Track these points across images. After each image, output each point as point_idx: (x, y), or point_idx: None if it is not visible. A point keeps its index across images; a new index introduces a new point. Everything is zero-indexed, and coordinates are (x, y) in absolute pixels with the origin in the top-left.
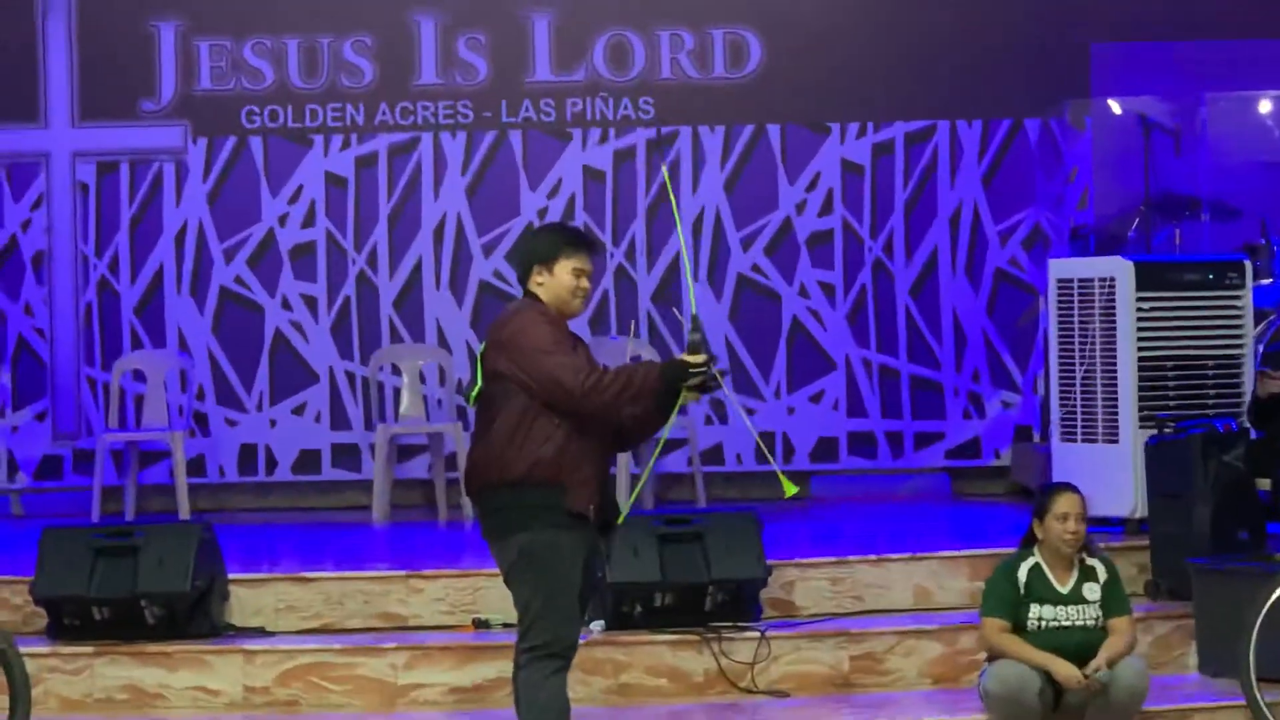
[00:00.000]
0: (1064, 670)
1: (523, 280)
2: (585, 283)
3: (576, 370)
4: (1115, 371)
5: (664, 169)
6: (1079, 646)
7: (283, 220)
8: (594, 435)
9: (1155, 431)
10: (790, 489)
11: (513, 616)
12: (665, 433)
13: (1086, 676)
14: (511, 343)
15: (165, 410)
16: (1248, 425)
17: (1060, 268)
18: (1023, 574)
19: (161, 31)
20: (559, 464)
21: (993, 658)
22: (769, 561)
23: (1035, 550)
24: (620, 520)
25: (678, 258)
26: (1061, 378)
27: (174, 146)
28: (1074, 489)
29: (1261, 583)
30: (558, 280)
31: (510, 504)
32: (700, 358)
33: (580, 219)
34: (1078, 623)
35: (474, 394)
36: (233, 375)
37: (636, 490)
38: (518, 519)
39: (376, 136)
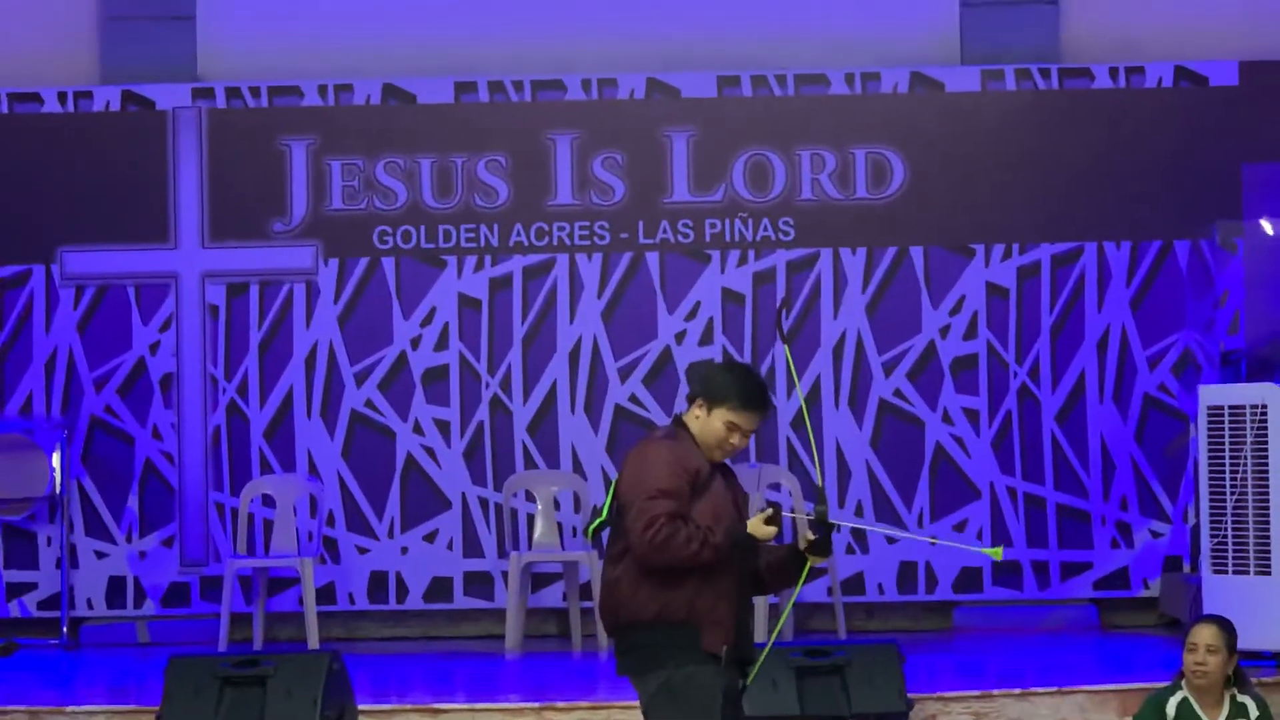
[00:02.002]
0: None
1: (688, 401)
2: (736, 440)
3: (649, 523)
4: (1268, 500)
5: (786, 348)
6: None
7: (415, 343)
8: (729, 575)
9: None
10: (996, 553)
11: None
12: (796, 591)
13: None
14: (626, 474)
15: (295, 536)
16: None
17: (1211, 394)
18: (1171, 708)
19: (293, 150)
20: (692, 605)
21: None
22: (910, 695)
23: (1183, 684)
24: (749, 680)
25: (819, 381)
26: (1212, 507)
27: (305, 267)
28: (1214, 621)
29: None
30: (711, 424)
31: (645, 643)
32: (772, 530)
33: (719, 342)
34: None
35: (593, 526)
36: (363, 501)
37: (765, 653)
38: (654, 656)
39: (511, 258)
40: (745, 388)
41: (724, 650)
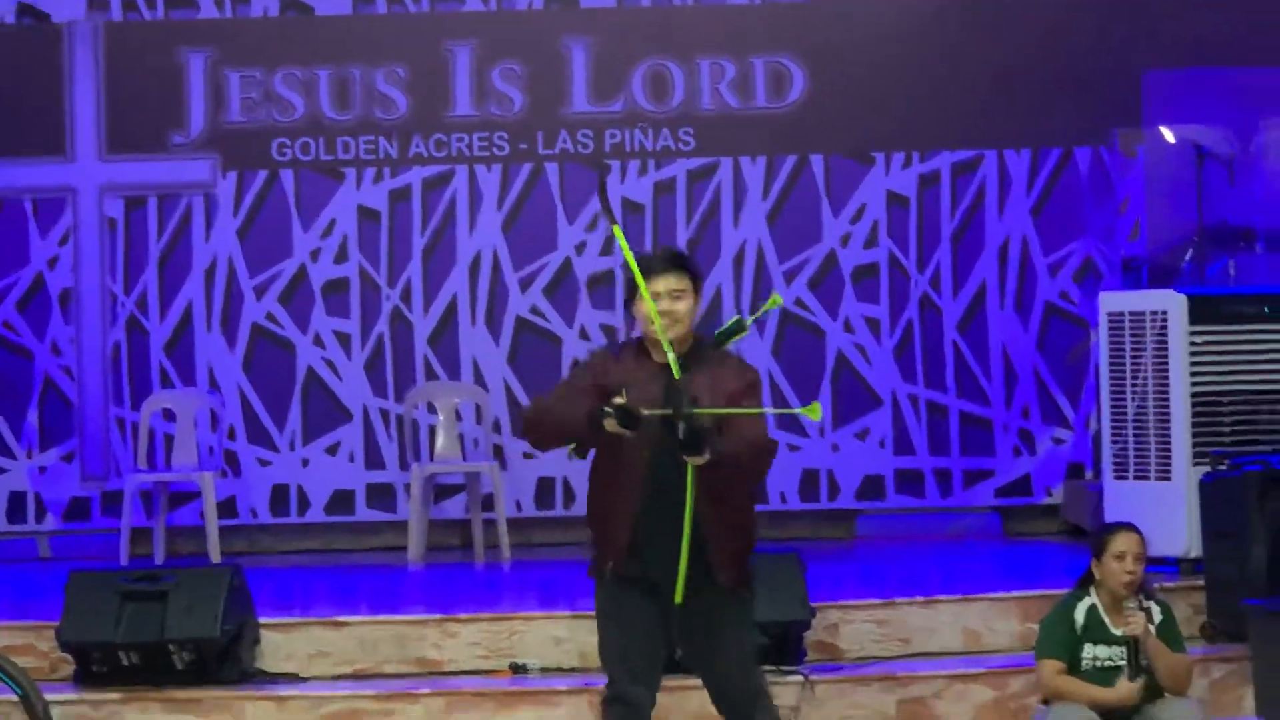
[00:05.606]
0: (1123, 691)
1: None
2: (664, 305)
3: (528, 407)
4: (1168, 407)
5: (615, 228)
6: None
7: (315, 255)
8: (630, 491)
9: (1209, 469)
10: (814, 411)
11: (549, 661)
12: (689, 500)
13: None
14: None
15: (195, 450)
16: None
17: (1111, 301)
18: (1079, 615)
19: (191, 62)
20: (594, 518)
21: (1049, 700)
22: (812, 603)
23: (1091, 590)
24: (677, 600)
25: (720, 291)
26: (1113, 414)
27: (203, 180)
28: (1133, 528)
29: None
30: (642, 309)
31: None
32: (619, 400)
33: (618, 253)
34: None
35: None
36: (264, 414)
37: (681, 570)
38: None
39: (410, 169)
40: (640, 261)
41: (608, 569)
